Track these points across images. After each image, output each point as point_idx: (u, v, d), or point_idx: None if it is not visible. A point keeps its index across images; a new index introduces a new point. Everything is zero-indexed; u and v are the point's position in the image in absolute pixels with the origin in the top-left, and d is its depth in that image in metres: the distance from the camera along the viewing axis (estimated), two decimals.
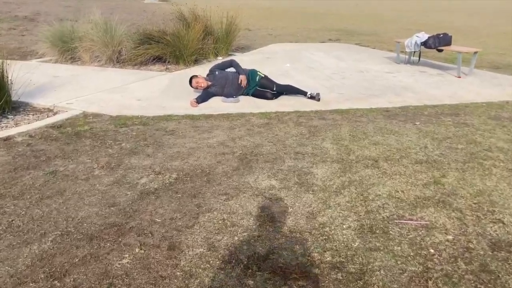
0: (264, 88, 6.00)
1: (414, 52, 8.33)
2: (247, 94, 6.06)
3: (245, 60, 8.55)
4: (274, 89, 5.93)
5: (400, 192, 3.28)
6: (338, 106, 5.64)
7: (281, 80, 6.66)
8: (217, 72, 5.97)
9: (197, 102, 5.57)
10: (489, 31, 14.89)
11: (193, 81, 5.88)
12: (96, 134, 4.45)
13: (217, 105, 5.66)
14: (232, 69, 6.16)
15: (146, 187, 3.31)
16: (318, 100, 5.75)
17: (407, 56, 8.68)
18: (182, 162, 3.77)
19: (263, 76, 6.02)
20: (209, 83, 5.92)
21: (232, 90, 5.95)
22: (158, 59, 8.12)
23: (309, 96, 5.82)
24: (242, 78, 5.92)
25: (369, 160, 3.87)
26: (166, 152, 3.99)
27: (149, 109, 5.40)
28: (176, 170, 3.61)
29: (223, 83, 5.91)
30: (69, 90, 6.17)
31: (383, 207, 3.04)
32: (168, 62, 8.08)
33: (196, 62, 8.32)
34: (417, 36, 8.14)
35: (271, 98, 5.91)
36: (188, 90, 6.07)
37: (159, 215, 2.93)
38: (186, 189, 3.29)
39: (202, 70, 7.44)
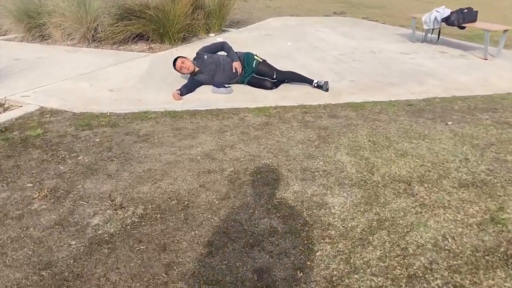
0: (262, 75, 5.01)
1: (433, 29, 7.28)
2: (242, 83, 5.07)
3: (240, 39, 7.52)
4: (274, 76, 4.93)
5: (449, 239, 2.37)
6: (351, 99, 4.67)
7: (282, 63, 5.69)
8: (205, 56, 4.96)
9: (181, 94, 4.60)
10: (509, 2, 13.72)
11: (178, 62, 4.88)
12: (49, 142, 3.50)
13: (205, 96, 4.68)
14: (223, 53, 5.15)
15: (99, 231, 2.39)
16: (326, 90, 4.78)
17: (423, 34, 7.64)
18: (153, 187, 2.84)
19: (260, 60, 5.03)
20: (197, 68, 4.92)
21: (223, 78, 4.96)
22: (141, 37, 7.07)
23: (315, 85, 4.84)
24: (236, 65, 4.93)
25: (399, 182, 2.95)
26: (134, 170, 3.05)
27: (122, 103, 4.42)
28: (144, 201, 2.68)
29: (213, 70, 4.92)
30: (29, 77, 5.17)
31: (431, 270, 2.13)
32: (152, 40, 7.03)
33: (184, 40, 7.27)
34: (437, 11, 7.09)
35: (271, 88, 4.93)
36: (172, 76, 5.09)
37: (111, 285, 2.01)
38: (154, 235, 2.37)
39: (190, 50, 6.43)
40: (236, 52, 5.09)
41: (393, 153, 3.41)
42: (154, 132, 3.73)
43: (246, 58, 5.04)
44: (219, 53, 5.16)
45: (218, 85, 4.86)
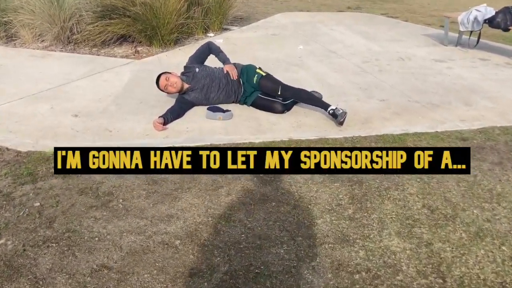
0: (265, 93, 3.91)
1: (472, 31, 6.14)
2: (245, 103, 3.98)
3: (243, 40, 6.40)
4: (279, 92, 3.82)
5: None
6: (386, 129, 3.60)
7: (293, 74, 4.66)
8: (197, 69, 3.87)
9: (164, 123, 3.52)
10: None
11: (161, 79, 3.80)
12: None
13: (196, 125, 3.61)
14: (219, 65, 4.06)
15: None
16: (341, 124, 3.62)
17: (458, 36, 6.50)
18: None
19: (263, 75, 3.91)
20: (186, 85, 3.83)
21: (220, 95, 3.89)
22: (127, 38, 5.96)
23: (330, 111, 3.70)
24: (228, 69, 3.87)
25: None
26: (76, 271, 1.99)
27: (86, 135, 3.35)
28: None
29: (207, 85, 3.84)
30: None
31: None
32: (140, 42, 5.91)
33: (177, 42, 6.15)
34: (477, 10, 5.95)
35: (282, 112, 3.84)
36: (156, 94, 4.01)
37: None
38: None
39: (183, 55, 5.31)
40: (233, 64, 4.00)
41: (463, 230, 2.33)
42: (120, 188, 2.66)
43: (246, 72, 3.94)
44: (212, 65, 4.06)
45: (214, 108, 3.76)
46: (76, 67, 5.04)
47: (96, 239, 2.20)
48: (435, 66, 5.40)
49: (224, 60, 3.96)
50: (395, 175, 2.85)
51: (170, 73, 3.85)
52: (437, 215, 2.46)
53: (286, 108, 3.88)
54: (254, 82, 3.89)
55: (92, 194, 2.59)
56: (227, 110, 3.78)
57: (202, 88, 3.85)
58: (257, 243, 2.19)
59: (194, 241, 2.21)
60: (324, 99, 4.08)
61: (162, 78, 3.78)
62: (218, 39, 6.49)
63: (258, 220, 2.37)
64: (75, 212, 2.42)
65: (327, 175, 2.83)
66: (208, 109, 3.77)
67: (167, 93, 3.88)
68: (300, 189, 2.69)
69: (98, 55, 5.60)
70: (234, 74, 3.88)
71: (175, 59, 5.46)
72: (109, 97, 4.11)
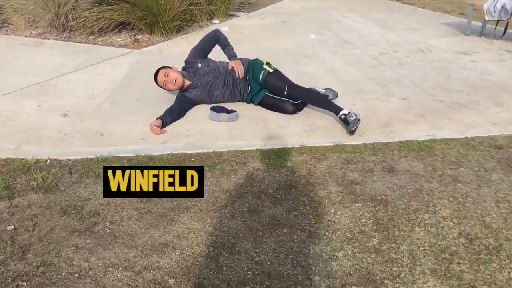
0: (271, 91, 3.51)
1: (498, 21, 5.67)
2: (251, 102, 3.60)
3: (250, 28, 5.98)
4: (285, 92, 3.42)
5: None
6: (410, 133, 3.23)
7: (304, 67, 4.27)
8: (199, 65, 3.47)
9: (163, 125, 3.14)
10: None
11: (160, 75, 3.41)
12: None
13: (199, 127, 3.25)
14: (224, 60, 3.67)
15: None
16: (352, 133, 3.18)
17: (483, 25, 6.02)
18: None
19: (270, 71, 3.50)
20: (188, 81, 3.45)
21: (225, 93, 3.50)
22: (126, 25, 5.56)
23: (341, 117, 3.28)
24: (234, 65, 3.53)
25: None
26: None
27: (75, 140, 2.99)
28: None
29: (210, 82, 3.47)
30: None
31: None
32: (140, 30, 5.51)
33: (180, 30, 5.74)
34: None
35: (293, 112, 3.45)
36: (154, 90, 3.63)
37: None
38: None
39: (186, 44, 4.93)
40: (240, 59, 3.60)
41: (511, 268, 1.95)
42: (109, 206, 2.30)
43: (252, 68, 3.54)
44: (217, 58, 3.67)
45: (218, 108, 3.38)
46: (70, 57, 4.66)
47: (76, 275, 1.86)
48: (459, 60, 4.96)
49: (231, 55, 3.56)
50: (423, 189, 2.48)
51: (169, 67, 3.46)
52: (477, 247, 2.08)
53: (298, 108, 3.49)
54: (260, 79, 3.49)
55: (76, 214, 2.24)
56: (232, 111, 3.39)
57: (205, 85, 3.47)
58: (266, 283, 1.84)
59: (192, 279, 1.85)
60: (340, 97, 3.71)
61: (161, 73, 3.39)
62: (224, 27, 6.08)
63: (267, 252, 2.01)
64: (54, 238, 2.07)
65: (346, 190, 2.46)
66: (211, 109, 3.39)
67: (166, 89, 3.50)
68: (316, 210, 2.32)
69: (95, 44, 5.21)
70: (240, 71, 3.49)
71: (177, 49, 5.06)
72: (103, 93, 3.74)
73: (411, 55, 5.07)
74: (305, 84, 3.64)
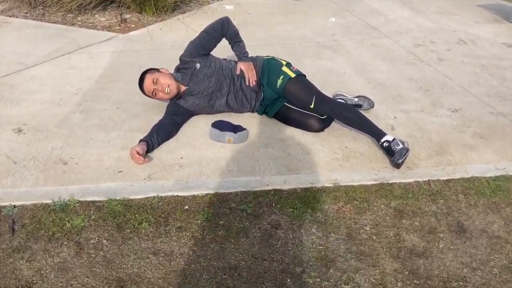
0: (292, 103, 2.69)
1: None
2: (265, 114, 2.78)
3: (259, 6, 5.11)
4: (312, 105, 2.60)
5: None
6: (473, 166, 2.47)
7: (326, 61, 3.44)
8: (198, 65, 2.62)
9: (148, 150, 2.33)
10: None
11: (147, 81, 2.58)
12: None
13: (195, 153, 2.44)
14: (229, 56, 2.84)
15: None
16: (398, 166, 2.36)
17: None
18: None
19: (292, 76, 2.66)
20: (182, 87, 2.62)
21: (231, 103, 2.69)
22: (112, 1, 4.66)
23: (384, 145, 2.46)
24: (244, 69, 2.71)
25: None
26: None
27: (26, 173, 2.19)
28: None
29: (212, 89, 2.67)
30: None
31: None
32: (128, 8, 4.61)
33: (176, 9, 4.84)
34: None
35: (320, 130, 2.64)
36: (140, 93, 2.81)
37: None
38: None
39: (183, 27, 4.08)
40: (251, 58, 2.76)
41: None
42: None
43: (267, 70, 2.72)
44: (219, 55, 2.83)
45: (222, 125, 2.56)
46: (39, 44, 3.79)
47: None
48: (509, 55, 4.12)
49: (241, 54, 2.71)
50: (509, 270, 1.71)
51: (158, 70, 2.62)
52: None
53: (325, 126, 2.68)
54: (278, 86, 2.66)
55: None
56: (240, 128, 2.58)
57: (204, 91, 2.65)
58: None
59: None
60: (375, 106, 2.90)
61: (148, 79, 2.56)
62: (228, 5, 5.18)
63: None
64: None
65: (406, 272, 1.69)
66: (213, 125, 2.58)
67: (157, 99, 2.66)
68: None
69: (73, 24, 4.33)
70: (251, 77, 2.66)
71: (172, 33, 4.20)
72: (75, 97, 2.91)
73: (451, 47, 4.23)
74: (331, 87, 2.84)
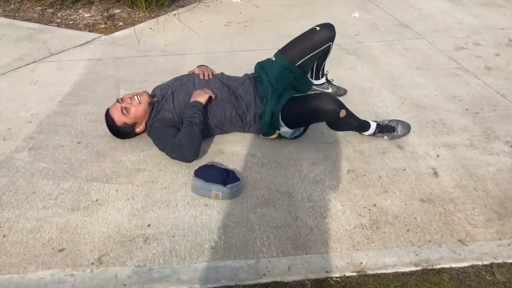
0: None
1: None
2: (267, 135, 2.16)
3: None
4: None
5: None
6: None
7: (348, 71, 2.79)
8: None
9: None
10: None
11: (115, 111, 1.99)
12: None
13: (167, 219, 1.84)
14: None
15: None
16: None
17: None
18: None
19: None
20: (151, 99, 2.02)
21: (219, 116, 2.10)
22: None
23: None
24: (197, 70, 2.24)
25: None
26: None
27: None
28: None
29: (171, 88, 2.12)
30: None
31: None
32: (118, 1, 3.96)
33: (173, 2, 4.16)
34: None
35: (335, 109, 2.09)
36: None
37: None
38: None
39: (178, 26, 3.43)
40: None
41: None
42: None
43: (270, 73, 2.19)
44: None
45: (207, 172, 1.91)
46: (1, 49, 3.16)
47: None
48: None
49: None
50: None
51: (126, 101, 2.01)
52: None
53: (341, 104, 2.07)
54: (273, 106, 2.06)
55: None
56: (232, 177, 1.93)
57: (167, 92, 2.06)
58: None
59: None
60: (412, 133, 2.26)
61: (115, 108, 1.96)
62: None
63: None
64: None
65: None
66: (196, 174, 1.93)
67: (133, 124, 2.05)
68: None
69: (50, 22, 3.69)
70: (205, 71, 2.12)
71: (165, 34, 3.54)
72: (27, 126, 2.29)
73: (501, 51, 3.47)
74: (354, 109, 2.19)
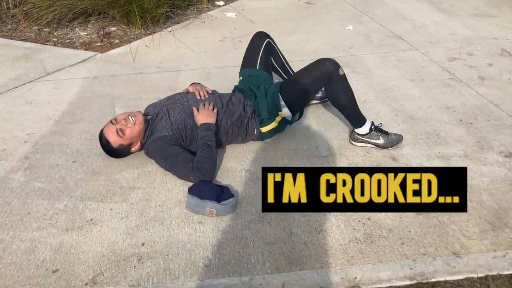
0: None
1: None
2: (260, 139, 2.18)
3: (264, 12, 4.44)
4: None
5: None
6: None
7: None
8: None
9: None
10: None
11: (109, 132, 1.98)
12: None
13: (162, 237, 1.84)
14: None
15: None
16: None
17: None
18: None
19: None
20: (144, 117, 2.02)
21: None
22: (97, 13, 4.05)
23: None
24: (191, 88, 2.31)
25: None
26: None
27: None
28: None
29: (166, 106, 2.11)
30: None
31: None
32: (114, 19, 4.00)
33: (169, 18, 4.21)
34: None
35: (333, 67, 2.22)
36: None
37: None
38: None
39: (173, 42, 3.46)
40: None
41: None
42: None
43: (269, 102, 2.23)
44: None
45: (203, 191, 1.92)
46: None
47: None
48: None
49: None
50: None
51: (115, 121, 2.01)
52: None
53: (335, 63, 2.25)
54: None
55: None
56: (226, 193, 1.94)
57: (162, 109, 2.09)
58: None
59: None
60: (404, 144, 2.28)
61: (109, 130, 1.98)
62: (230, 12, 4.53)
63: None
64: None
65: None
66: (190, 192, 1.94)
67: (129, 145, 2.07)
68: None
69: (47, 41, 3.73)
70: (200, 90, 2.24)
71: (160, 50, 3.58)
72: (23, 146, 2.32)
73: (493, 61, 3.50)
74: (348, 123, 2.23)
